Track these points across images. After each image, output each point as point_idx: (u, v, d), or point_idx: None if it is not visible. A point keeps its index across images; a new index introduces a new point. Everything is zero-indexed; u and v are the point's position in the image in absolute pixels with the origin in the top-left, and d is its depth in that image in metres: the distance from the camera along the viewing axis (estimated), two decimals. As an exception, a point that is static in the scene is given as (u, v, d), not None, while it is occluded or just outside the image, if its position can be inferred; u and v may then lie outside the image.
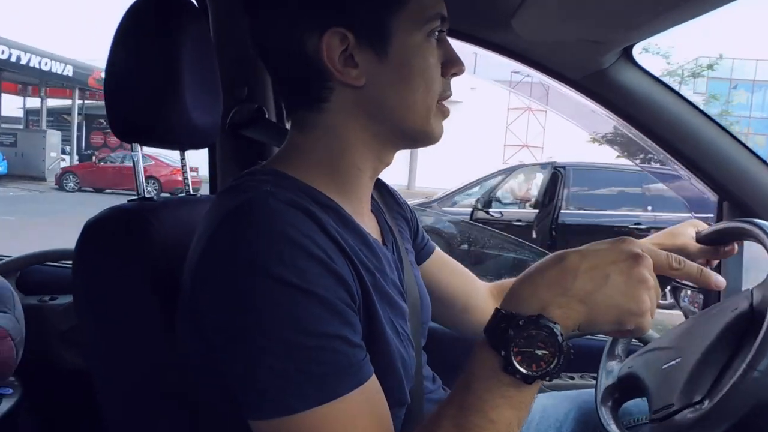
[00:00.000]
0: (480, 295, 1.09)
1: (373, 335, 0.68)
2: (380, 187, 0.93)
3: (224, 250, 0.63)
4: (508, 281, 1.12)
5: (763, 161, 1.26)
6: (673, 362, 0.87)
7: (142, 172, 0.97)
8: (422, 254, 1.03)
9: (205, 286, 0.65)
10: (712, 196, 1.31)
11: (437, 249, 1.07)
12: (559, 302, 0.59)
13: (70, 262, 1.59)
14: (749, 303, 0.82)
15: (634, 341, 1.07)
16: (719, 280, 0.68)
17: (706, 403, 0.77)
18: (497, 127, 23.28)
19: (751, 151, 1.27)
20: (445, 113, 0.76)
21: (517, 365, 0.57)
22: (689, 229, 1.03)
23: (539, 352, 0.57)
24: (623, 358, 1.03)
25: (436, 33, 0.72)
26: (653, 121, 1.26)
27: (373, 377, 0.64)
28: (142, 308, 0.82)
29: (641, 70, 1.24)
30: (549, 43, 1.17)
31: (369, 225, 0.80)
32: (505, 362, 0.58)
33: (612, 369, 1.02)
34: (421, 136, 0.76)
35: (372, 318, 0.69)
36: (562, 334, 0.58)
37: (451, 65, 0.75)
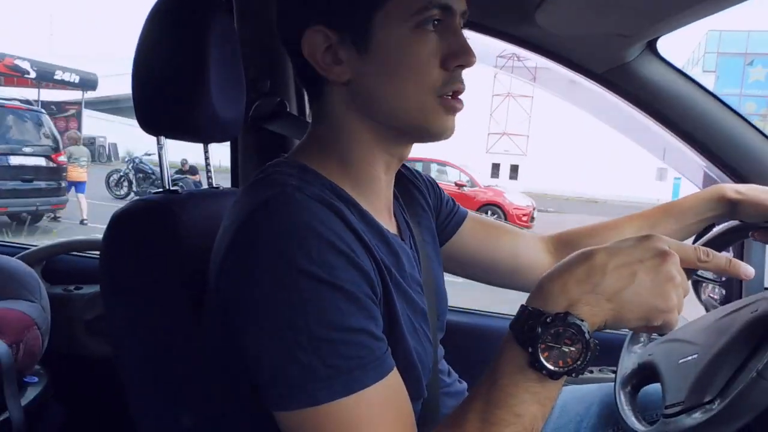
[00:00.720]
0: (531, 253, 1.06)
1: (392, 330, 0.69)
2: (400, 176, 0.91)
3: (252, 244, 0.63)
4: (572, 231, 1.10)
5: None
6: (690, 357, 0.87)
7: (167, 165, 0.99)
8: (453, 223, 1.03)
9: (232, 280, 0.65)
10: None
11: (470, 214, 1.05)
12: (587, 299, 0.59)
13: (96, 252, 1.63)
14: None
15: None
16: (748, 270, 0.67)
17: (716, 404, 0.77)
18: (481, 115, 22.75)
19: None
20: (449, 108, 0.72)
21: (544, 361, 0.58)
22: None
23: (566, 349, 0.58)
24: (647, 343, 1.02)
25: (433, 23, 0.69)
26: (677, 114, 1.25)
27: (395, 370, 0.65)
28: (169, 299, 0.84)
29: (666, 64, 1.23)
30: (573, 36, 1.16)
31: (386, 220, 0.81)
32: (532, 358, 0.58)
33: (634, 353, 1.01)
34: (421, 131, 0.74)
35: (391, 313, 0.70)
36: (589, 332, 0.58)
37: (456, 57, 0.70)
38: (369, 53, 0.69)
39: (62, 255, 1.66)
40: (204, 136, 1.00)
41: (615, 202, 21.63)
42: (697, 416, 0.78)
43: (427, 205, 0.97)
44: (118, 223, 0.85)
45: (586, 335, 0.58)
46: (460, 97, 0.73)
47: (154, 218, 0.86)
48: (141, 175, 12.20)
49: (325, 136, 0.76)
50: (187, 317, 0.81)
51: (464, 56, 0.71)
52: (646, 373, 0.96)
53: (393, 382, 0.64)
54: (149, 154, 11.70)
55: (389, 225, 0.80)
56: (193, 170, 11.49)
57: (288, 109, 1.37)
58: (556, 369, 0.58)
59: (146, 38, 0.90)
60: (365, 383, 0.61)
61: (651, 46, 1.20)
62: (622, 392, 0.97)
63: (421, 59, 0.69)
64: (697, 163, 1.38)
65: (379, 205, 0.79)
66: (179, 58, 0.88)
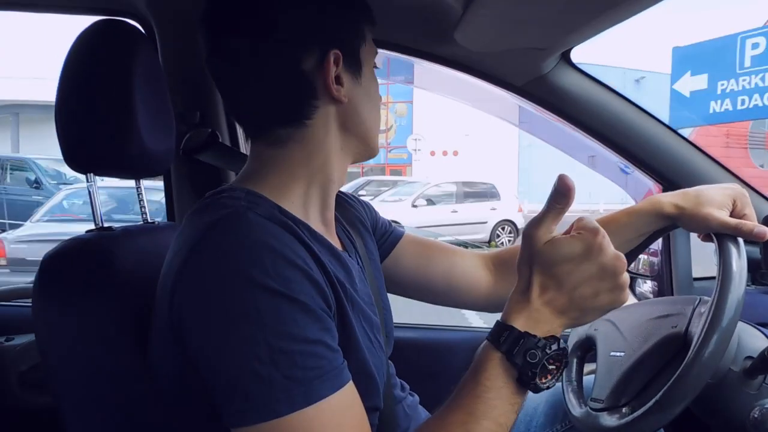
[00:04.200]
0: (467, 270, 1.08)
1: (348, 343, 0.71)
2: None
3: (207, 262, 0.64)
4: (509, 249, 1.11)
5: (701, 150, 1.33)
6: (618, 354, 0.93)
7: (98, 202, 0.96)
8: (388, 243, 1.05)
9: (187, 299, 0.65)
10: (655, 187, 1.38)
11: (406, 234, 1.08)
12: (564, 322, 0.67)
13: (26, 300, 1.56)
14: (687, 324, 0.86)
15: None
16: None
17: (625, 410, 0.85)
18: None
19: (689, 141, 1.34)
20: None
21: (537, 380, 0.64)
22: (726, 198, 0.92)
23: (550, 367, 0.65)
24: None
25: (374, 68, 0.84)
26: (594, 120, 1.31)
27: (351, 382, 0.66)
28: (110, 340, 0.81)
29: (581, 73, 1.30)
30: (491, 52, 1.21)
31: (334, 238, 0.83)
32: (522, 376, 0.64)
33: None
34: (373, 150, 0.86)
35: (345, 326, 0.72)
36: (567, 347, 0.66)
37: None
38: (359, 81, 0.80)
39: (-11, 307, 1.58)
40: (135, 171, 0.99)
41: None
42: (611, 420, 0.84)
43: (366, 223, 1.00)
44: (50, 265, 0.82)
45: (567, 352, 0.66)
46: None
47: (88, 258, 0.83)
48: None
49: (288, 157, 0.78)
50: (130, 357, 0.79)
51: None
52: (589, 346, 1.03)
53: (350, 392, 0.66)
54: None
55: (335, 241, 0.83)
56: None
57: (220, 140, 1.36)
58: (541, 385, 0.65)
59: (69, 73, 0.88)
60: (324, 393, 0.62)
61: (565, 57, 1.26)
62: (568, 366, 1.03)
63: (377, 94, 0.86)
64: (620, 167, 1.45)
65: (327, 222, 0.82)
66: (103, 92, 0.87)
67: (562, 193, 0.65)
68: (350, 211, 0.99)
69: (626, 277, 0.66)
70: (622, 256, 0.66)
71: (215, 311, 0.62)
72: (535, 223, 0.67)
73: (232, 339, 0.61)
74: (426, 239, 1.10)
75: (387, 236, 1.05)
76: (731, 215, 0.90)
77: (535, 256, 0.66)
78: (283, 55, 0.75)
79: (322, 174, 0.80)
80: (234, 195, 0.73)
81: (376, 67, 0.85)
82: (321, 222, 0.81)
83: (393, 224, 1.08)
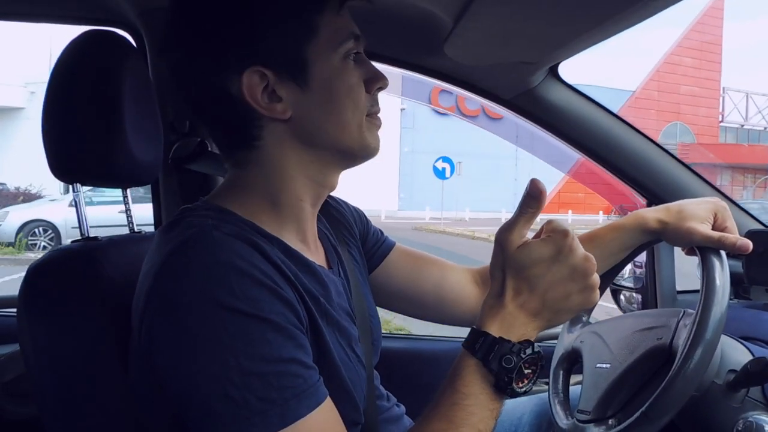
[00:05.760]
0: (457, 285, 1.07)
1: (322, 359, 0.70)
2: (325, 204, 0.93)
3: (172, 285, 0.63)
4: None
5: (685, 165, 1.35)
6: (605, 366, 0.93)
7: (84, 212, 0.96)
8: (379, 254, 1.03)
9: (156, 324, 0.64)
10: (641, 200, 1.39)
11: (397, 245, 1.06)
12: (538, 324, 0.67)
13: (11, 309, 1.54)
14: (671, 336, 0.87)
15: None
16: None
17: (611, 422, 0.86)
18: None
19: (674, 156, 1.36)
20: (377, 125, 0.79)
21: (515, 385, 0.64)
22: (707, 211, 0.93)
23: (526, 371, 0.65)
24: (585, 324, 1.07)
25: (353, 54, 0.75)
26: (581, 133, 1.33)
27: (329, 398, 0.66)
28: (95, 352, 0.81)
29: (568, 87, 1.31)
30: (481, 66, 1.22)
31: (314, 252, 0.82)
32: (502, 383, 0.64)
33: (572, 333, 1.06)
34: (360, 152, 0.78)
35: (319, 342, 0.71)
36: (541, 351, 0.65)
37: (374, 81, 0.78)
38: (309, 86, 0.72)
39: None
40: (122, 180, 0.98)
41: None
42: (598, 431, 0.85)
43: (354, 233, 0.99)
44: (35, 275, 0.82)
45: (542, 355, 0.66)
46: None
47: (74, 268, 0.83)
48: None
49: (253, 180, 0.76)
50: (114, 368, 0.79)
51: (381, 80, 0.79)
52: (575, 358, 1.03)
53: (327, 409, 0.65)
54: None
55: (316, 256, 0.81)
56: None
57: (210, 149, 1.36)
58: (518, 389, 0.64)
59: (57, 81, 0.87)
60: (300, 413, 0.61)
61: (553, 72, 1.28)
62: (554, 375, 1.03)
63: (353, 86, 0.75)
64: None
65: (305, 237, 0.80)
66: (91, 101, 0.87)
67: (534, 197, 0.65)
68: (338, 220, 0.97)
69: (596, 277, 0.67)
70: (591, 257, 0.67)
71: (184, 335, 0.61)
72: (507, 228, 0.67)
73: (203, 365, 0.60)
74: (416, 251, 1.09)
75: (378, 246, 1.03)
76: (713, 228, 0.91)
77: (508, 260, 0.66)
78: (206, 78, 0.72)
79: (286, 193, 0.76)
80: (203, 213, 0.72)
81: (357, 52, 0.76)
82: (298, 238, 0.78)
83: (384, 235, 1.06)
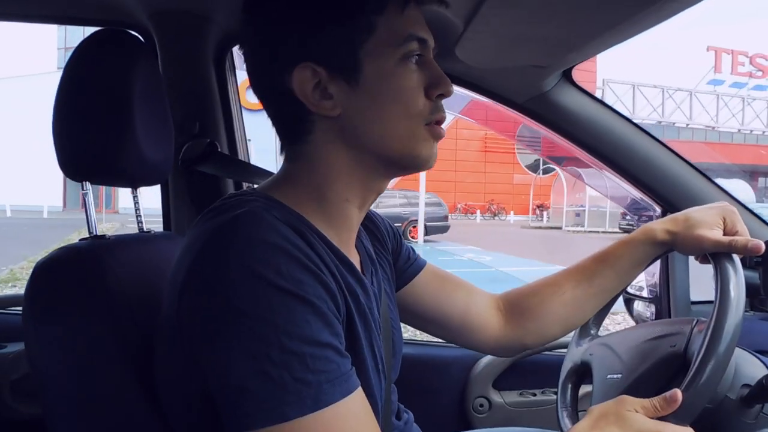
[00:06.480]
0: (481, 310, 1.05)
1: (353, 355, 0.69)
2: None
3: (220, 258, 0.62)
4: (516, 291, 1.08)
5: (700, 171, 1.33)
6: (616, 376, 0.91)
7: (94, 210, 0.96)
8: (409, 272, 1.01)
9: (198, 297, 0.63)
10: (656, 208, 1.37)
11: (428, 265, 1.05)
12: None
13: (17, 308, 1.55)
14: (685, 343, 0.85)
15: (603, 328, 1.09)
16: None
17: None
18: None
19: (688, 163, 1.34)
20: (436, 135, 0.76)
21: None
22: (715, 217, 0.92)
23: None
24: (594, 337, 1.05)
25: (415, 56, 0.73)
26: (595, 139, 1.31)
27: (360, 389, 0.65)
28: (101, 351, 0.80)
29: (581, 91, 1.30)
30: (493, 69, 1.21)
31: (353, 255, 0.81)
32: None
33: (581, 346, 1.04)
34: (408, 161, 0.75)
35: (352, 338, 0.70)
36: None
37: (436, 87, 0.74)
38: (360, 86, 0.71)
39: (-18, 313, 1.57)
40: (132, 179, 0.98)
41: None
42: None
43: (387, 247, 0.98)
44: (41, 273, 0.81)
45: None
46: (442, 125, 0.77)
47: (81, 266, 0.82)
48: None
49: (302, 174, 0.76)
50: (120, 367, 0.78)
51: (444, 86, 0.75)
52: (584, 370, 1.01)
53: (359, 398, 0.64)
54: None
55: (355, 260, 0.80)
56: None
57: (219, 150, 1.36)
58: None
59: (68, 81, 0.88)
60: (333, 398, 0.60)
61: (566, 76, 1.26)
62: (564, 386, 1.01)
63: (408, 89, 0.72)
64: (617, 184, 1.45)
65: (350, 240, 0.80)
66: (102, 100, 0.87)
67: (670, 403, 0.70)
68: (374, 232, 0.96)
69: None
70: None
71: (228, 311, 0.60)
72: (638, 401, 0.71)
73: (244, 339, 0.59)
74: (445, 272, 1.06)
75: (409, 265, 1.02)
76: (724, 233, 0.89)
77: (616, 414, 0.70)
78: (266, 72, 0.74)
79: (332, 192, 0.75)
80: (251, 198, 0.72)
81: (419, 54, 0.73)
82: (340, 239, 0.77)
83: (416, 253, 1.05)
